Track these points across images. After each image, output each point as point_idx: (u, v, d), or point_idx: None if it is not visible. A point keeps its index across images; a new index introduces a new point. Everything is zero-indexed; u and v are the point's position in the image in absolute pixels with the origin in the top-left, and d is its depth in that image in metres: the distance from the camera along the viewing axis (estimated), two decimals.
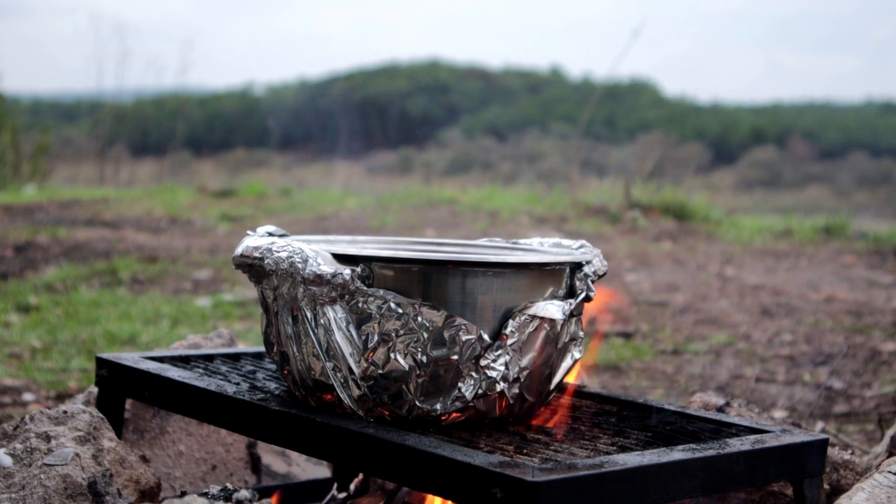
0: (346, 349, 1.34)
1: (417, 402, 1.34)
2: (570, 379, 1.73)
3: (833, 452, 1.73)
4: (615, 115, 22.47)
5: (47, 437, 1.47)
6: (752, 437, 1.40)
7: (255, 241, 1.42)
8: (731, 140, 22.17)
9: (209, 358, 1.77)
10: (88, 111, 13.70)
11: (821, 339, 3.88)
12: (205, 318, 4.04)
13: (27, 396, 2.86)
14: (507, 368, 1.36)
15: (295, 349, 1.39)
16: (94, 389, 1.83)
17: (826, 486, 1.68)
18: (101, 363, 1.69)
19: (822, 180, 17.84)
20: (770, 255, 6.26)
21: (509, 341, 1.36)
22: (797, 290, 4.93)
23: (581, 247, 1.57)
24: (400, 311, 1.32)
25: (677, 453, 1.29)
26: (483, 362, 1.35)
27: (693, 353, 3.63)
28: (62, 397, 2.86)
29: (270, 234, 1.51)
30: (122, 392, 1.68)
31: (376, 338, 1.33)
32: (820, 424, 2.50)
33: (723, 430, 1.47)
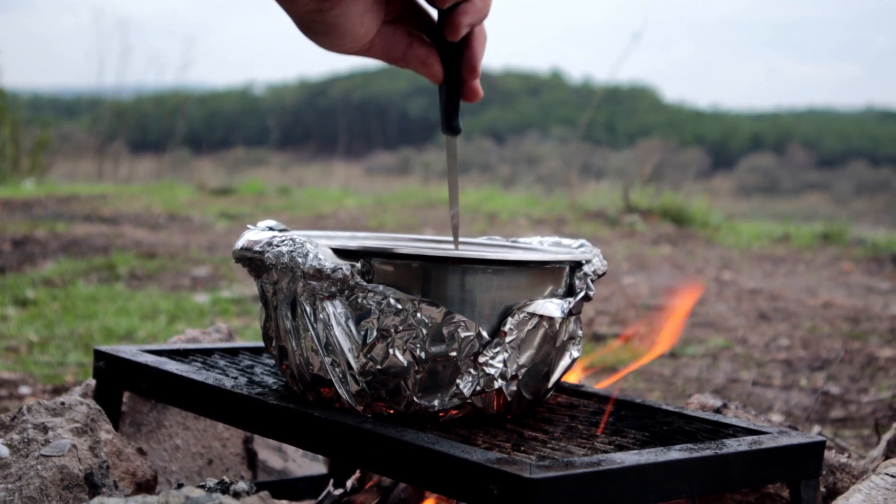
0: (345, 344, 1.34)
1: (415, 398, 1.34)
2: (572, 378, 1.73)
3: (829, 456, 1.73)
4: (615, 119, 22.50)
5: (44, 428, 1.47)
6: (750, 438, 1.40)
7: (256, 235, 1.42)
8: (730, 146, 22.21)
9: (207, 352, 1.77)
10: (88, 107, 13.71)
11: (818, 344, 3.88)
12: (202, 314, 4.04)
13: (24, 389, 2.86)
14: (505, 366, 1.36)
15: (294, 344, 1.39)
16: (92, 382, 1.83)
17: (822, 489, 1.68)
18: (99, 355, 1.68)
19: (820, 187, 17.87)
20: (768, 260, 6.27)
21: (508, 339, 1.36)
22: (795, 296, 4.93)
23: (581, 246, 1.57)
24: (399, 307, 1.32)
25: (675, 453, 1.29)
26: (481, 359, 1.35)
27: (690, 357, 3.63)
28: (58, 391, 2.86)
29: (271, 229, 1.51)
30: (120, 385, 1.68)
31: (375, 333, 1.33)
32: (816, 428, 2.50)
33: (720, 430, 1.47)
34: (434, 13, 1.26)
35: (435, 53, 1.27)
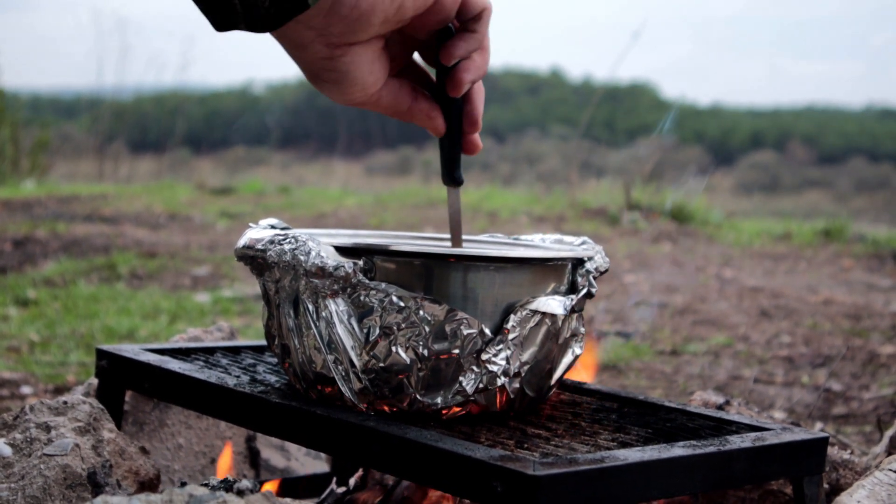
0: (348, 342, 1.34)
1: (418, 396, 1.34)
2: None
3: (832, 452, 1.73)
4: (615, 118, 22.47)
5: (47, 428, 1.47)
6: (753, 435, 1.40)
7: (258, 233, 1.41)
8: (730, 143, 22.18)
9: (210, 351, 1.77)
10: (88, 107, 13.70)
11: (819, 341, 3.88)
12: (203, 313, 4.04)
13: (25, 389, 2.86)
14: (507, 363, 1.36)
15: (296, 342, 1.39)
16: (94, 381, 1.83)
17: (825, 486, 1.68)
18: (102, 354, 1.68)
19: (821, 185, 17.85)
20: (769, 257, 6.26)
21: (510, 336, 1.36)
22: (796, 293, 4.93)
23: (583, 243, 1.57)
24: (402, 304, 1.32)
25: (678, 449, 1.29)
26: (484, 356, 1.35)
27: (692, 354, 3.63)
28: (60, 390, 2.86)
29: (273, 227, 1.51)
30: (122, 383, 1.68)
31: (378, 331, 1.33)
32: (819, 425, 2.50)
33: (723, 427, 1.47)
34: (432, 70, 1.31)
35: (438, 108, 1.31)
